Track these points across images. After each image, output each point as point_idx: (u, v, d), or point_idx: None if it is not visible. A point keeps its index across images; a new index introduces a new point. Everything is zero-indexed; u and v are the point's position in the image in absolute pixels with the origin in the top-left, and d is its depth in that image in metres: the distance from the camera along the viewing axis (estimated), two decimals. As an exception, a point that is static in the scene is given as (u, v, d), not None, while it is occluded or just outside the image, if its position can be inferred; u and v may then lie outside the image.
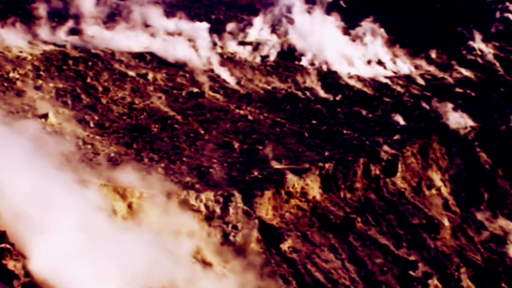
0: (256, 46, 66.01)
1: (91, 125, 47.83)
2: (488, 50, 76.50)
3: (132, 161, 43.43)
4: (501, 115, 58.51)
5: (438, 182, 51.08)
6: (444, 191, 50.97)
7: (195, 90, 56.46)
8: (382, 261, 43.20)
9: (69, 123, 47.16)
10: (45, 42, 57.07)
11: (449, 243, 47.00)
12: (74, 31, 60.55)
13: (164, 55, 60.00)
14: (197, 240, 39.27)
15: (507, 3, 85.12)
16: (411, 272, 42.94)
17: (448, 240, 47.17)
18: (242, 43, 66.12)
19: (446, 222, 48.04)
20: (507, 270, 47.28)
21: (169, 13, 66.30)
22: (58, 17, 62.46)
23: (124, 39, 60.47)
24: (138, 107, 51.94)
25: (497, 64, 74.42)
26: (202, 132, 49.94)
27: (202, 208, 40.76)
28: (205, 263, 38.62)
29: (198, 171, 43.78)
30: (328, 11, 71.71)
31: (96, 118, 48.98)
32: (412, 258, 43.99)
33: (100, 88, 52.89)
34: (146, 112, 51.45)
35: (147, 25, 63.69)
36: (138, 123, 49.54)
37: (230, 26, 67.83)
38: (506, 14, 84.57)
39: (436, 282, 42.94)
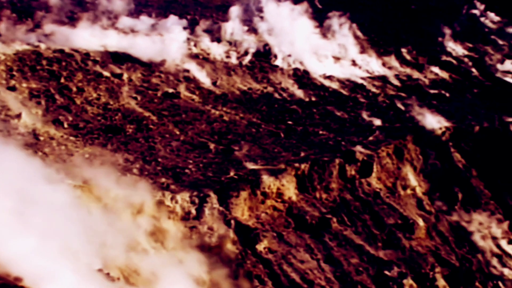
0: (232, 47, 65.93)
1: (65, 125, 47.45)
2: (462, 51, 77.15)
3: (107, 162, 43.12)
4: (475, 115, 58.96)
5: (413, 182, 51.35)
6: (419, 191, 51.25)
7: (171, 90, 56.23)
8: (358, 261, 43.33)
9: (42, 124, 46.75)
10: (16, 41, 56.46)
11: (424, 243, 47.26)
12: (43, 30, 59.98)
13: (139, 55, 59.64)
14: (173, 241, 39.08)
15: (481, 6, 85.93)
16: (386, 272, 43.11)
17: (423, 240, 47.43)
18: (218, 44, 65.99)
19: (421, 222, 48.31)
20: (481, 270, 47.67)
21: (144, 13, 65.99)
22: (29, 16, 61.90)
23: (97, 39, 60.04)
24: (113, 107, 51.62)
25: (471, 65, 75.07)
26: (178, 132, 49.76)
27: (178, 209, 40.59)
28: (180, 263, 38.42)
29: (173, 172, 43.59)
30: (303, 12, 71.74)
31: (70, 118, 48.60)
32: (387, 258, 44.17)
33: (74, 89, 52.47)
34: (121, 112, 51.14)
35: (121, 25, 63.29)
36: (113, 124, 49.24)
37: (206, 26, 67.64)
38: (480, 16, 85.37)
39: (411, 281, 43.15)
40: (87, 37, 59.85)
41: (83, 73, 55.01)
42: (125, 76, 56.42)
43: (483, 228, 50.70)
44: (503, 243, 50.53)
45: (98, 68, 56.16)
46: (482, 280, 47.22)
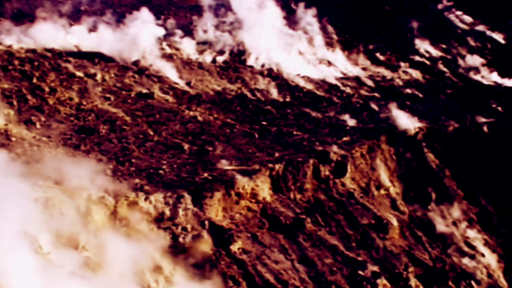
0: (206, 47, 65.87)
1: (38, 126, 46.99)
2: (436, 52, 77.80)
3: (80, 163, 42.75)
4: (448, 116, 59.37)
5: (387, 183, 51.56)
6: (393, 191, 51.47)
7: (144, 91, 55.99)
8: (332, 261, 43.36)
9: (14, 125, 46.28)
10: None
11: (398, 243, 47.46)
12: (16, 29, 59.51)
13: (113, 55, 59.40)
14: (146, 242, 38.84)
15: (454, 7, 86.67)
16: (360, 272, 43.18)
17: (397, 240, 47.63)
18: (192, 44, 65.87)
19: (395, 222, 48.50)
20: (454, 269, 47.99)
21: (117, 13, 65.69)
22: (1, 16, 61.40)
23: (70, 38, 59.68)
24: (86, 108, 51.26)
25: (444, 65, 75.68)
26: (151, 133, 49.53)
27: (151, 210, 40.31)
28: (154, 265, 38.20)
29: (147, 173, 43.34)
30: (277, 13, 71.86)
31: (43, 119, 48.16)
32: (361, 258, 44.25)
33: (47, 89, 52.01)
34: (94, 113, 50.79)
35: (94, 25, 62.94)
36: (86, 125, 48.87)
37: (180, 26, 67.50)
38: (453, 18, 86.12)
39: (384, 281, 43.25)
40: (60, 36, 59.43)
41: (55, 73, 54.60)
42: (99, 76, 56.10)
43: (456, 228, 51.06)
44: (476, 242, 50.91)
45: (71, 68, 55.80)
46: (455, 279, 47.51)
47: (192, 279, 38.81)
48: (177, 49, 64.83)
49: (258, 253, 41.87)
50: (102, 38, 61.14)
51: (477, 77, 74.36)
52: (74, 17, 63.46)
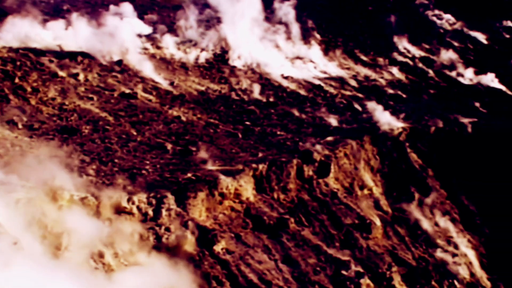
0: (189, 47, 65.73)
1: (20, 126, 46.72)
2: (419, 53, 78.04)
3: (62, 163, 42.51)
4: (431, 116, 59.55)
5: (370, 182, 51.66)
6: (376, 191, 51.58)
7: (127, 91, 55.78)
8: (315, 261, 43.38)
9: (-4, 125, 46.04)
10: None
11: (381, 243, 47.56)
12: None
13: (96, 55, 59.13)
14: (129, 242, 38.69)
15: (438, 8, 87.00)
16: (343, 272, 43.23)
17: (380, 239, 47.73)
18: (175, 43, 65.71)
19: (378, 222, 48.61)
20: (437, 268, 48.16)
21: (100, 12, 65.36)
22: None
23: (53, 38, 59.36)
24: (68, 108, 50.99)
25: (427, 66, 75.95)
26: (135, 133, 49.35)
27: (135, 210, 40.17)
28: (137, 265, 38.06)
29: (130, 173, 43.16)
30: (260, 13, 71.85)
31: (25, 119, 47.87)
32: (344, 258, 44.30)
33: (29, 89, 51.72)
34: (76, 113, 50.54)
35: (77, 24, 62.59)
36: (69, 125, 48.62)
37: (163, 27, 67.32)
38: (436, 18, 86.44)
39: (368, 281, 43.32)
40: (42, 35, 59.08)
41: (38, 73, 54.27)
42: (81, 76, 55.84)
43: (439, 228, 51.24)
44: (459, 242, 51.11)
45: (53, 68, 55.48)
46: (438, 279, 47.69)
47: (176, 279, 38.65)
48: (160, 48, 64.67)
49: (241, 253, 41.81)
50: (85, 38, 60.83)
51: (460, 78, 74.65)
52: (56, 15, 62.99)
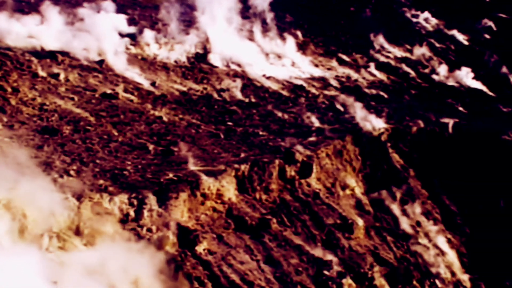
0: (171, 47, 65.53)
1: (0, 127, 46.33)
2: (400, 53, 78.36)
3: (43, 164, 42.25)
4: (413, 116, 59.79)
5: (352, 183, 51.76)
6: (358, 191, 51.70)
7: (109, 91, 55.49)
8: (297, 261, 43.40)
9: (-24, 125, 45.67)
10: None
11: (363, 243, 47.67)
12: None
13: (77, 55, 58.80)
14: (111, 243, 38.50)
15: (419, 8, 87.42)
16: (325, 272, 43.29)
17: (362, 239, 47.84)
18: (157, 43, 65.49)
19: (360, 222, 48.72)
20: (418, 268, 48.35)
21: (81, 12, 64.95)
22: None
23: (33, 37, 58.97)
24: (49, 108, 50.65)
25: (409, 66, 76.27)
26: (116, 133, 49.11)
27: (116, 211, 39.95)
28: (121, 268, 37.83)
29: (111, 173, 42.93)
30: (243, 13, 71.89)
31: (5, 119, 47.48)
32: (326, 258, 44.36)
33: (9, 89, 51.30)
34: (57, 113, 50.21)
35: (58, 23, 62.19)
36: (49, 125, 48.26)
37: (145, 27, 67.07)
38: (418, 19, 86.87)
39: (350, 281, 43.42)
40: (22, 35, 58.64)
41: (18, 72, 53.86)
42: (62, 76, 55.48)
43: (421, 228, 51.45)
44: (440, 242, 51.35)
45: (34, 67, 55.11)
46: (420, 278, 47.90)
47: (157, 280, 38.51)
48: (142, 48, 64.42)
49: (223, 254, 41.74)
50: (66, 37, 60.44)
51: (441, 78, 75.00)
52: (35, 13, 62.46)
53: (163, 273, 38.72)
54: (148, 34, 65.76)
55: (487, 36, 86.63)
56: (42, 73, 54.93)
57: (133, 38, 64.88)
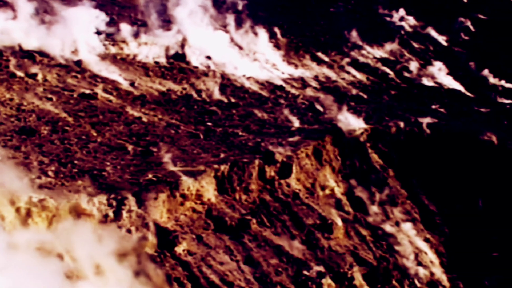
0: (150, 47, 65.26)
1: (-24, 127, 46.00)
2: (380, 54, 78.58)
3: (20, 165, 41.91)
4: (392, 117, 59.97)
5: (332, 183, 51.83)
6: (338, 191, 51.76)
7: (87, 91, 55.11)
8: (277, 261, 43.40)
9: (-48, 126, 45.23)
10: None
11: (342, 243, 47.74)
12: None
13: (55, 54, 58.40)
14: (89, 245, 38.24)
15: (399, 9, 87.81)
16: (305, 272, 43.33)
17: (341, 239, 47.91)
18: (136, 43, 65.21)
19: (340, 222, 48.80)
20: (398, 268, 48.50)
21: (59, 11, 64.46)
22: None
23: (11, 36, 58.45)
24: (27, 108, 50.25)
25: (388, 67, 76.52)
26: (95, 134, 48.82)
27: (95, 212, 39.71)
28: (97, 268, 37.65)
29: (90, 174, 42.69)
30: (223, 13, 71.81)
31: (-18, 120, 47.13)
32: (306, 258, 44.39)
33: (-14, 89, 50.96)
34: (35, 113, 49.82)
35: (36, 23, 61.69)
36: (27, 125, 47.89)
37: (124, 26, 66.74)
38: (397, 20, 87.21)
39: (329, 281, 43.49)
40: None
41: (-5, 72, 53.54)
42: (40, 76, 55.07)
43: (400, 227, 51.62)
44: (419, 242, 51.55)
45: (11, 67, 54.70)
46: (399, 278, 48.06)
47: (136, 281, 38.34)
48: (121, 48, 64.10)
49: (203, 255, 41.66)
50: (44, 37, 60.02)
51: (420, 78, 75.32)
52: (15, 14, 61.93)
53: (142, 274, 38.58)
54: (127, 34, 65.48)
55: (465, 36, 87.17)
56: (19, 73, 54.52)
57: (112, 38, 64.53)
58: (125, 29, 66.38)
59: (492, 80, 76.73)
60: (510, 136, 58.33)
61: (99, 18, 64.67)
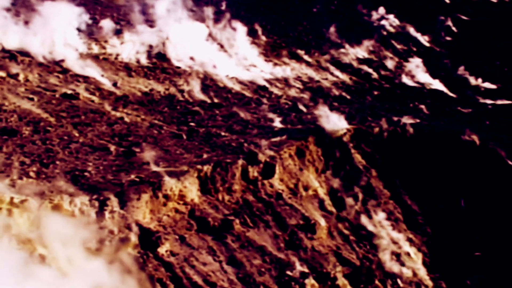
0: (133, 47, 65.05)
1: (-43, 128, 45.64)
2: (362, 54, 78.81)
3: (1, 165, 41.62)
4: (375, 117, 60.11)
5: (315, 183, 51.85)
6: (321, 192, 51.79)
7: (69, 91, 54.86)
8: (260, 262, 43.36)
9: None
10: None
11: (326, 243, 47.77)
12: None
13: (37, 54, 58.04)
14: (71, 246, 38.03)
15: (381, 9, 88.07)
16: (288, 272, 43.32)
17: (325, 240, 47.94)
18: (119, 43, 64.98)
19: (323, 222, 48.83)
20: (380, 268, 48.60)
21: (40, 11, 64.10)
22: None
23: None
24: (8, 109, 49.90)
25: (371, 68, 76.76)
26: (77, 134, 48.56)
27: (77, 213, 39.51)
28: (80, 269, 37.44)
29: (72, 175, 42.46)
30: (203, 12, 71.77)
31: (-37, 120, 46.79)
32: (289, 258, 44.39)
33: (-33, 89, 50.58)
34: (16, 114, 49.50)
35: (17, 23, 61.35)
36: (8, 126, 47.58)
37: (106, 26, 66.51)
38: (379, 20, 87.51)
39: (313, 281, 43.49)
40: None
41: (-24, 73, 53.16)
42: (21, 76, 54.74)
43: (383, 227, 51.72)
44: (402, 241, 51.67)
45: (-8, 68, 54.43)
46: (382, 278, 48.14)
47: (119, 283, 38.16)
48: (103, 48, 63.84)
49: (186, 255, 41.54)
50: (25, 37, 59.64)
51: (403, 79, 75.59)
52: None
53: (126, 275, 38.42)
54: (110, 34, 65.23)
55: (447, 37, 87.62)
56: (1, 73, 54.16)
57: (95, 38, 64.27)
58: (108, 28, 66.14)
59: (474, 80, 77.17)
60: (491, 136, 58.64)
61: (81, 17, 64.48)
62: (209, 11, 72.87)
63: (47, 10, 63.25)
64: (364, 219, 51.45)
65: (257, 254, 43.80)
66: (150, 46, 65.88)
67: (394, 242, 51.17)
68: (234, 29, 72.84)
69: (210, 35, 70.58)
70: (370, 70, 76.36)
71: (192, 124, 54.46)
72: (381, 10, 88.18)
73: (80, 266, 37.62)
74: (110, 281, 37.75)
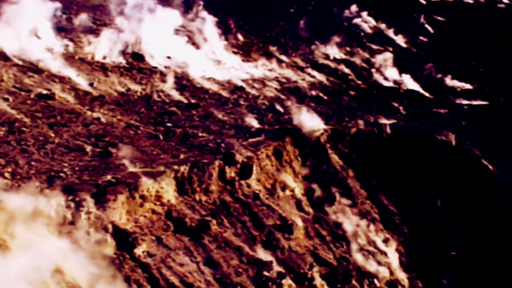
0: (109, 47, 64.70)
1: None
2: (340, 55, 79.05)
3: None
4: (352, 117, 60.30)
5: (292, 184, 51.88)
6: (298, 192, 51.84)
7: (45, 91, 54.38)
8: (237, 262, 43.28)
9: None
10: None
11: (303, 243, 47.82)
12: None
13: (11, 54, 57.52)
14: (47, 246, 37.70)
15: (359, 10, 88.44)
16: (265, 273, 43.26)
17: (302, 240, 47.99)
18: (95, 43, 64.61)
19: (300, 223, 48.87)
20: (357, 268, 48.74)
21: (15, 11, 63.52)
22: None
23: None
24: (-18, 109, 49.49)
25: (348, 68, 77.01)
26: (52, 135, 48.17)
27: (52, 214, 39.18)
28: (56, 271, 37.13)
29: (47, 176, 42.09)
30: (181, 15, 71.61)
31: None
32: (266, 258, 44.35)
33: None
34: (-9, 114, 49.09)
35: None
36: (-17, 126, 47.16)
37: (82, 26, 66.12)
38: (357, 21, 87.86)
39: (290, 281, 43.49)
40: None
41: (-50, 73, 52.57)
42: (-4, 76, 54.30)
43: (359, 228, 51.88)
44: (378, 241, 51.87)
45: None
46: (359, 278, 48.29)
47: (95, 284, 37.90)
48: (80, 48, 63.42)
49: (163, 256, 41.35)
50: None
51: (380, 80, 75.91)
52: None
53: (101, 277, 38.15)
54: (86, 34, 64.86)
55: (423, 38, 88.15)
56: (-25, 73, 53.67)
57: (71, 38, 63.85)
58: (84, 29, 65.76)
59: (450, 81, 77.68)
60: (467, 137, 59.07)
61: (57, 17, 64.03)
62: (184, 11, 72.70)
63: (22, 10, 62.73)
64: (341, 219, 51.57)
65: (234, 254, 43.72)
66: (126, 46, 65.54)
67: (371, 242, 51.36)
68: (210, 29, 72.74)
69: (187, 36, 70.46)
70: (347, 71, 76.61)
71: (168, 124, 54.27)
72: (359, 11, 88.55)
73: (55, 266, 37.27)
74: (86, 282, 37.49)
